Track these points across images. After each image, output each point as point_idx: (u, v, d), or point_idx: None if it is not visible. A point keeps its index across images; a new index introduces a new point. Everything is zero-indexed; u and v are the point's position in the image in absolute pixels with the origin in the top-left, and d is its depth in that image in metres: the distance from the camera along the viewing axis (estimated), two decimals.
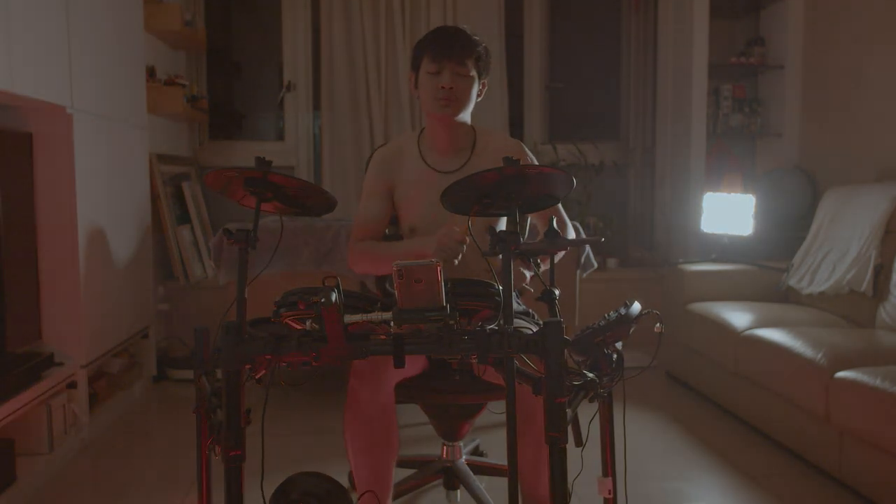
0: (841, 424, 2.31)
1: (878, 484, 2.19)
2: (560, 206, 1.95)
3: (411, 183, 1.98)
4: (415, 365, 1.88)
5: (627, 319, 1.42)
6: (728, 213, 3.78)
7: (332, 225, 3.09)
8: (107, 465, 2.61)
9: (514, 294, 1.94)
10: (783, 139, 4.14)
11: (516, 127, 4.58)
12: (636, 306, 1.45)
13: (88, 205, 2.75)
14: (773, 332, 2.75)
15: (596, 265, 3.34)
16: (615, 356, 1.45)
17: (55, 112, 2.59)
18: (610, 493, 1.53)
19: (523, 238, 1.46)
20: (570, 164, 4.42)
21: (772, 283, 3.45)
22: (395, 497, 2.12)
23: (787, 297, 3.41)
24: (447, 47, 1.87)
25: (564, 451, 1.30)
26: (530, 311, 1.99)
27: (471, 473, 2.17)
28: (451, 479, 2.18)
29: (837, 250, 3.14)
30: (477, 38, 1.92)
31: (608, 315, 1.45)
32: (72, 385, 2.65)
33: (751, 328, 2.89)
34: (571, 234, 2.03)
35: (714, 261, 3.68)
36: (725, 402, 3.12)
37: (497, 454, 2.57)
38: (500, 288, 1.37)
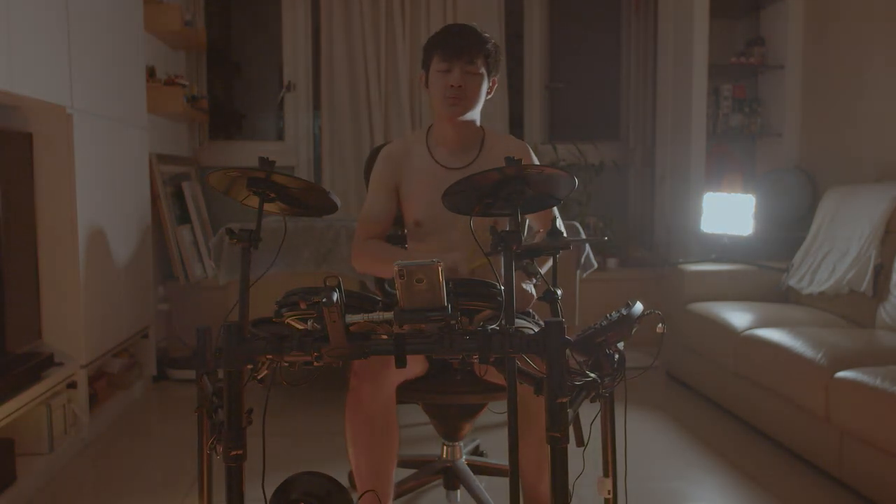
0: (841, 424, 2.31)
1: (878, 484, 2.19)
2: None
3: (418, 177, 1.98)
4: (415, 368, 1.88)
5: (629, 320, 1.42)
6: (728, 213, 3.79)
7: (333, 225, 3.09)
8: (107, 465, 2.61)
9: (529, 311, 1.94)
10: (783, 139, 4.14)
11: (516, 127, 4.58)
12: (638, 306, 1.45)
13: (88, 205, 2.75)
14: (773, 332, 2.75)
15: (596, 265, 3.34)
16: (617, 356, 1.45)
17: (55, 112, 2.59)
18: (610, 493, 1.53)
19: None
20: (570, 164, 4.42)
21: (772, 283, 3.46)
22: (396, 497, 2.12)
23: (787, 297, 3.41)
24: (457, 46, 1.88)
25: (565, 451, 1.31)
26: (531, 310, 1.99)
27: (471, 473, 2.17)
28: (451, 479, 2.18)
29: (837, 250, 3.14)
30: (487, 35, 1.93)
31: (610, 315, 1.45)
32: (72, 385, 2.65)
33: (751, 328, 2.89)
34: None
35: (714, 261, 3.68)
36: (725, 402, 3.12)
37: (497, 454, 2.57)
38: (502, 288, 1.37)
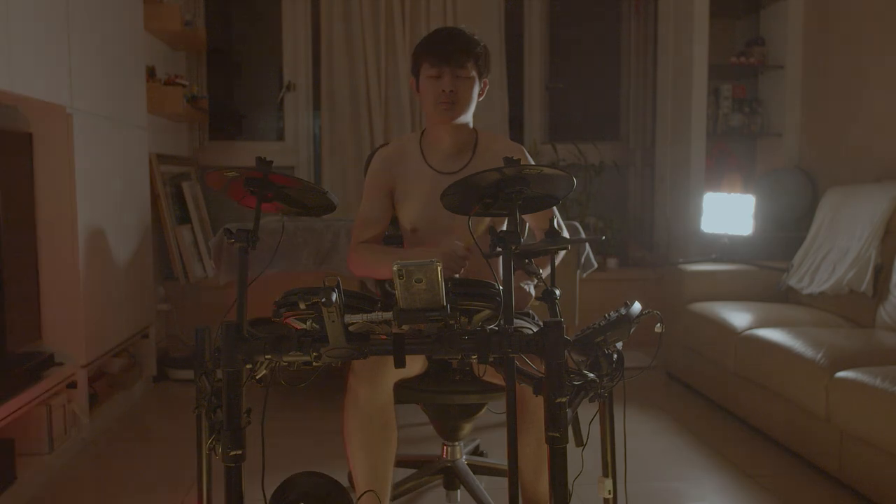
0: (841, 424, 2.31)
1: (878, 484, 2.19)
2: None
3: (412, 183, 1.98)
4: (414, 366, 1.88)
5: (628, 319, 1.42)
6: (728, 213, 3.79)
7: (332, 225, 3.09)
8: (107, 465, 2.61)
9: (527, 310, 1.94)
10: (783, 139, 4.14)
11: (516, 127, 4.58)
12: (636, 306, 1.45)
13: (88, 205, 2.75)
14: (773, 332, 2.75)
15: (596, 265, 3.34)
16: (615, 356, 1.45)
17: (55, 112, 2.59)
18: (610, 493, 1.53)
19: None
20: (570, 164, 4.42)
21: (772, 283, 3.46)
22: (395, 497, 2.12)
23: (787, 297, 3.41)
24: (445, 52, 1.87)
25: (565, 451, 1.31)
26: (530, 311, 2.00)
27: (471, 473, 2.17)
28: (451, 479, 2.18)
29: (837, 250, 3.14)
30: (475, 36, 1.92)
31: (609, 315, 1.45)
32: (72, 385, 2.65)
33: (751, 328, 2.89)
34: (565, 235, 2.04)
35: (714, 261, 3.68)
36: (725, 402, 3.12)
37: (497, 454, 2.57)
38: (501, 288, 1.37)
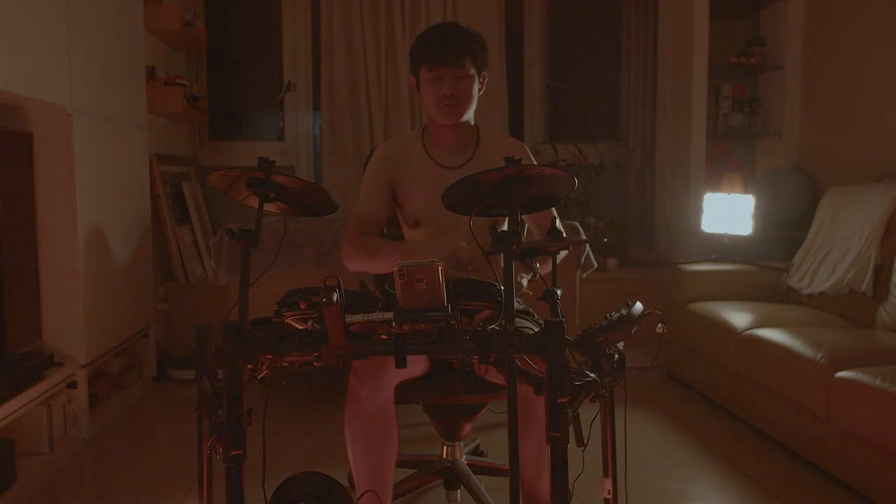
0: (841, 424, 2.31)
1: (878, 484, 2.19)
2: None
3: (415, 178, 1.98)
4: (416, 367, 1.88)
5: (629, 320, 1.42)
6: (728, 213, 3.79)
7: (333, 225, 3.09)
8: (107, 465, 2.61)
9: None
10: (783, 139, 4.14)
11: (516, 127, 4.58)
12: (638, 306, 1.45)
13: (88, 205, 2.75)
14: (773, 332, 2.75)
15: (596, 265, 3.34)
16: (616, 356, 1.45)
17: (55, 112, 2.59)
18: (610, 493, 1.53)
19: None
20: (570, 164, 4.42)
21: (772, 283, 3.45)
22: (396, 497, 2.12)
23: (787, 297, 3.41)
24: (442, 54, 1.86)
25: (565, 451, 1.30)
26: (531, 310, 1.99)
27: (471, 473, 2.17)
28: (451, 479, 2.18)
29: (837, 250, 3.14)
30: (470, 32, 1.91)
31: (610, 315, 1.45)
32: (72, 385, 2.65)
33: (751, 328, 2.89)
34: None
35: (714, 261, 3.68)
36: (725, 402, 3.12)
37: (497, 454, 2.57)
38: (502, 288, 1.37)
